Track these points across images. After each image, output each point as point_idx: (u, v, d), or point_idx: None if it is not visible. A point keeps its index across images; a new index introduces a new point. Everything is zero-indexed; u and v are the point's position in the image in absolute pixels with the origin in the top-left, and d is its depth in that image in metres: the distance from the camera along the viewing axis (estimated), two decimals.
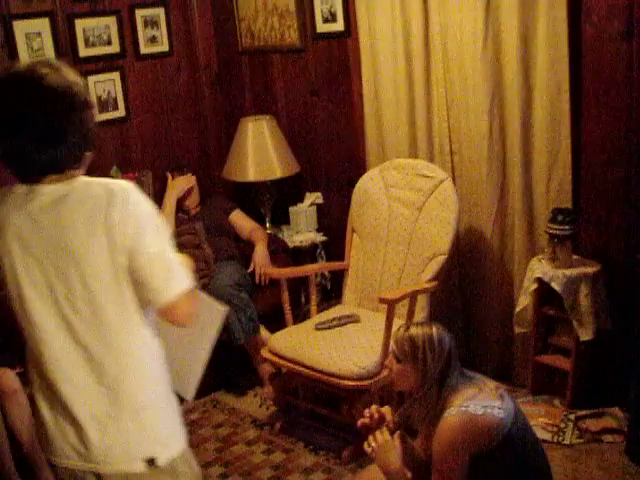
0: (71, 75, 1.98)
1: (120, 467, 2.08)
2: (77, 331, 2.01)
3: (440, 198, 3.86)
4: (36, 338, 2.04)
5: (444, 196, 3.85)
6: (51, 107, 1.92)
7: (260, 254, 4.48)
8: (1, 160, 1.98)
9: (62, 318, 2.01)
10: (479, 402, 2.64)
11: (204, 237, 4.49)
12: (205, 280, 4.28)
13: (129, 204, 1.95)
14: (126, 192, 1.96)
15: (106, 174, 4.55)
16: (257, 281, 4.40)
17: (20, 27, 4.55)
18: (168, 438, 2.12)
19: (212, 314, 2.42)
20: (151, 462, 2.07)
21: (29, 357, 2.12)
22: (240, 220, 4.84)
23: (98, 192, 1.95)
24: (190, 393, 2.42)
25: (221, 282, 4.23)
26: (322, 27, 4.70)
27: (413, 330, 2.82)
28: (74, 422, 2.05)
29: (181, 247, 4.22)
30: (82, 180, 2.00)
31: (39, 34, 4.63)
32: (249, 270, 4.45)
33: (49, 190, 1.97)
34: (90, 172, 2.08)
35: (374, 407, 2.90)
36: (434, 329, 2.81)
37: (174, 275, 2.01)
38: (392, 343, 2.91)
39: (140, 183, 4.05)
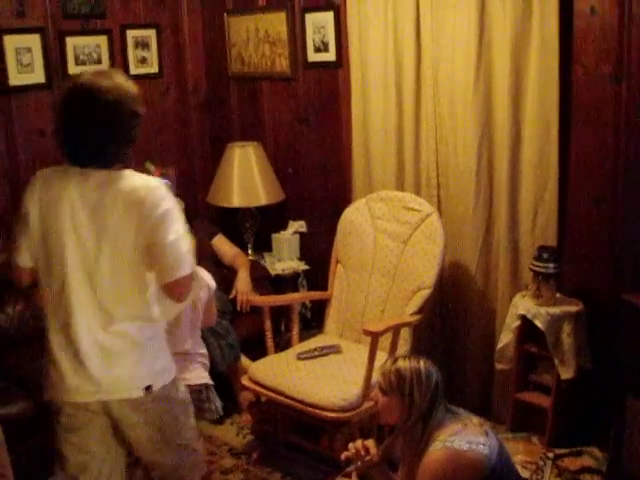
0: (126, 88, 2.49)
1: (124, 394, 2.58)
2: (96, 287, 2.52)
3: (426, 232, 3.87)
4: (66, 287, 2.52)
5: (430, 230, 3.86)
6: (106, 116, 2.44)
7: (242, 280, 4.45)
8: (61, 147, 2.53)
9: (89, 275, 2.51)
10: (464, 437, 2.64)
11: None
12: None
13: (161, 199, 2.49)
14: (159, 189, 2.51)
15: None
16: (238, 308, 4.36)
17: (10, 41, 4.52)
18: (161, 370, 2.65)
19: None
20: (148, 389, 2.59)
21: (51, 309, 2.58)
22: (223, 245, 4.75)
23: (138, 185, 2.50)
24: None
25: None
26: (313, 56, 4.72)
27: (400, 363, 2.81)
28: (86, 362, 2.53)
29: None
30: (124, 172, 2.52)
31: (29, 49, 4.60)
32: (230, 296, 4.42)
33: (98, 174, 2.49)
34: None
35: (359, 441, 2.88)
36: (422, 363, 2.80)
37: (180, 263, 2.52)
38: (379, 375, 2.90)
39: (164, 177, 4.04)
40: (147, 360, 2.61)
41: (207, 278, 3.30)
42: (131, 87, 2.52)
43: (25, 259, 2.60)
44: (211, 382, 3.40)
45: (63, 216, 2.50)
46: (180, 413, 2.76)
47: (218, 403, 3.48)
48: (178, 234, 2.52)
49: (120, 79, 2.50)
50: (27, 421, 3.71)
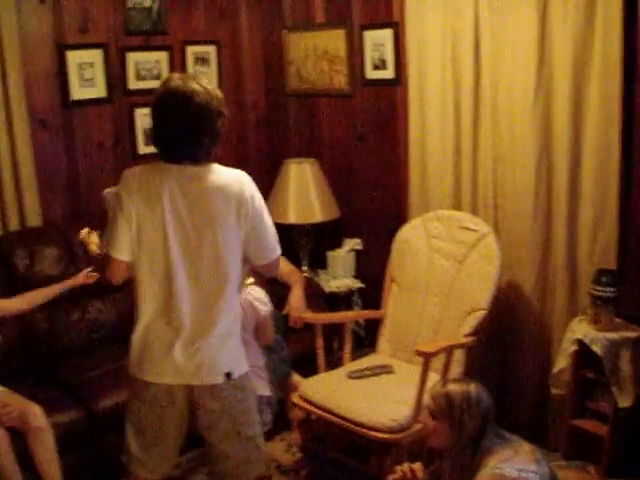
0: (212, 91, 2.71)
1: (207, 379, 2.77)
2: (198, 276, 2.73)
3: (482, 252, 3.81)
4: (170, 274, 2.72)
5: (487, 250, 3.80)
6: (197, 117, 2.66)
7: (296, 297, 4.41)
8: (156, 145, 2.75)
9: (191, 262, 2.72)
10: (514, 465, 2.58)
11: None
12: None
13: (253, 190, 2.77)
14: (250, 181, 2.79)
15: None
16: (291, 324, 4.34)
17: (73, 57, 4.61)
18: (239, 360, 2.86)
19: None
20: (228, 376, 2.78)
21: (150, 297, 2.77)
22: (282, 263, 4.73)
23: (232, 177, 2.76)
24: None
25: None
26: (371, 74, 4.72)
27: (451, 387, 2.77)
28: (179, 345, 2.74)
29: None
30: (215, 166, 2.77)
31: (92, 64, 4.69)
32: (283, 312, 4.40)
33: (193, 169, 2.71)
34: None
35: (406, 464, 2.84)
36: (472, 387, 2.75)
37: (275, 245, 2.88)
38: (428, 398, 2.86)
39: None
40: (229, 348, 2.82)
41: (263, 297, 3.50)
42: (216, 90, 2.76)
43: (124, 253, 2.75)
44: (267, 394, 3.61)
45: (163, 209, 2.69)
46: (252, 405, 2.93)
47: (270, 416, 3.60)
48: (270, 221, 2.86)
49: (206, 83, 2.73)
50: (79, 430, 3.75)
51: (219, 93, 2.77)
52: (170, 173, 2.71)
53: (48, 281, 4.20)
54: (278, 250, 2.90)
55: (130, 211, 2.71)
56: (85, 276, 3.90)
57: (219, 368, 2.78)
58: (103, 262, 2.83)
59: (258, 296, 3.57)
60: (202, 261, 2.73)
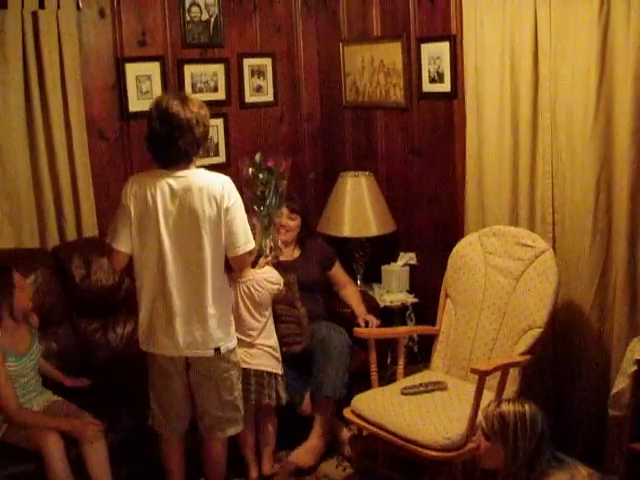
0: (193, 109, 3.25)
1: (198, 353, 3.36)
2: (188, 263, 3.27)
3: (540, 269, 3.74)
4: (162, 262, 3.27)
5: (544, 267, 3.73)
6: (178, 132, 3.20)
7: (361, 306, 4.56)
8: (150, 153, 3.33)
9: (181, 252, 3.26)
10: None
11: (297, 293, 4.30)
12: (297, 347, 4.17)
13: (231, 190, 3.27)
14: (229, 183, 3.29)
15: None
16: (370, 325, 4.40)
17: (131, 69, 4.67)
18: (227, 337, 3.41)
19: None
20: (217, 350, 3.37)
21: (148, 283, 3.33)
22: (339, 274, 4.70)
23: (213, 179, 3.27)
24: None
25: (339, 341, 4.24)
26: (428, 87, 4.68)
27: (504, 407, 2.72)
28: (175, 324, 3.30)
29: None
30: (200, 170, 3.31)
31: (149, 77, 4.74)
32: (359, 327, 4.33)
33: (179, 172, 3.26)
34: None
35: None
36: (527, 407, 2.70)
37: (246, 240, 3.30)
38: (481, 418, 2.81)
39: (278, 166, 4.04)
40: (218, 327, 3.35)
41: (272, 276, 3.92)
42: (199, 106, 3.29)
43: (123, 245, 3.32)
44: (274, 371, 3.91)
45: (157, 207, 3.23)
46: (234, 375, 3.50)
47: (282, 392, 3.95)
48: (244, 219, 3.31)
49: (190, 101, 3.27)
50: (132, 440, 3.78)
51: (203, 113, 3.30)
52: (162, 176, 3.26)
53: (103, 291, 4.25)
54: (247, 247, 3.32)
55: (130, 210, 3.28)
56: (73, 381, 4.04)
57: (210, 344, 3.35)
58: (107, 251, 3.43)
59: (267, 275, 3.91)
60: (189, 251, 3.26)
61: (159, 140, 3.26)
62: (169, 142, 3.23)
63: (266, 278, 3.90)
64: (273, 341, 3.96)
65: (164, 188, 3.25)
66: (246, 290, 3.84)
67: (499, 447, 2.69)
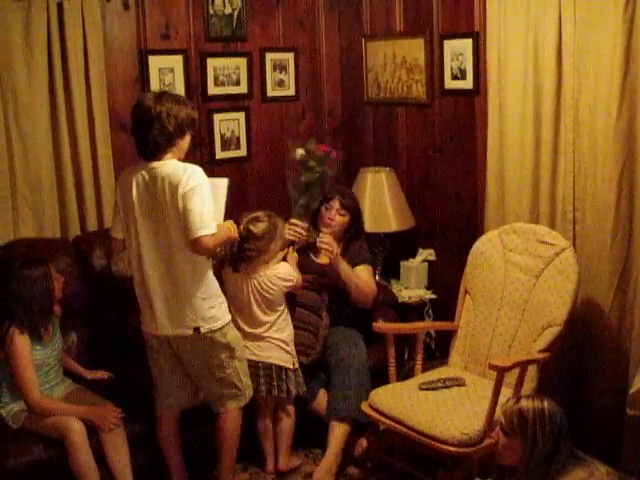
0: (166, 104, 3.41)
1: (178, 332, 3.51)
2: (158, 247, 3.44)
3: (560, 267, 3.74)
4: (139, 248, 3.47)
5: (564, 265, 3.72)
6: (148, 124, 3.40)
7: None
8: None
9: (152, 238, 3.44)
10: None
11: (325, 303, 4.20)
12: (305, 359, 4.10)
13: (192, 178, 3.33)
14: (193, 171, 3.37)
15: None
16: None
17: (155, 62, 4.69)
18: (208, 318, 3.49)
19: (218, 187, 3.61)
20: (197, 330, 3.48)
21: (133, 266, 3.56)
22: (363, 273, 4.33)
23: (179, 169, 3.37)
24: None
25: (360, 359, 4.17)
26: (450, 83, 4.68)
27: (523, 403, 2.72)
28: (154, 307, 3.50)
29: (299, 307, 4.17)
30: (172, 161, 3.42)
31: (172, 70, 4.76)
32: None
33: (152, 164, 3.41)
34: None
35: None
36: (546, 404, 2.70)
37: (201, 225, 3.29)
38: (500, 414, 2.81)
39: (328, 154, 4.04)
40: (197, 308, 3.46)
41: (284, 272, 3.91)
42: (174, 106, 3.43)
43: (117, 232, 3.65)
44: (284, 364, 3.93)
45: (133, 197, 3.44)
46: (221, 353, 3.58)
47: (292, 386, 3.94)
48: (201, 204, 3.31)
49: (170, 104, 3.43)
50: (151, 430, 3.81)
51: (173, 106, 3.43)
52: (140, 168, 3.45)
53: (123, 281, 4.26)
54: (200, 232, 3.30)
55: (118, 200, 3.57)
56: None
57: (188, 323, 3.48)
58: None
59: (279, 272, 3.91)
60: (158, 236, 3.43)
61: (134, 133, 3.49)
62: (142, 134, 3.43)
63: (277, 274, 3.90)
64: (285, 335, 3.97)
65: (138, 179, 3.44)
66: (257, 285, 3.88)
67: (518, 443, 2.69)
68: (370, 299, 4.32)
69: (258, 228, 3.84)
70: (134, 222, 3.48)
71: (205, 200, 3.35)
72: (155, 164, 3.41)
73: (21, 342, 3.56)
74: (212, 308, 3.52)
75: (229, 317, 3.63)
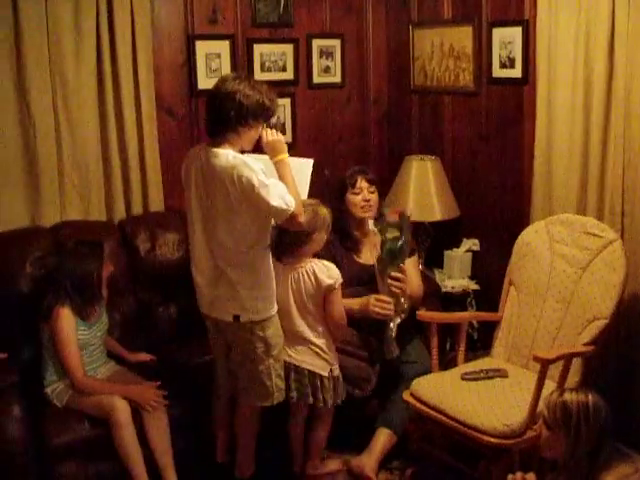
0: (238, 87, 3.33)
1: (221, 316, 3.51)
2: (208, 233, 3.43)
3: (608, 259, 3.68)
4: (193, 230, 3.50)
5: (612, 258, 3.67)
6: (212, 103, 3.42)
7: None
8: None
9: (204, 224, 3.43)
10: None
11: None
12: (359, 393, 3.90)
13: (243, 172, 3.21)
14: (244, 165, 3.23)
15: None
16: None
17: (201, 47, 4.71)
18: (249, 308, 3.42)
19: (302, 168, 3.71)
20: (236, 318, 3.43)
21: (191, 244, 3.58)
22: (409, 267, 4.08)
23: (228, 159, 3.27)
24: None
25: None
26: (498, 72, 4.63)
27: (567, 396, 2.68)
28: (204, 289, 3.54)
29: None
30: (226, 151, 3.31)
31: (218, 55, 4.78)
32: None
33: (213, 149, 3.34)
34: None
35: (519, 474, 2.77)
36: (590, 398, 2.66)
37: (276, 210, 3.26)
38: (543, 407, 2.78)
39: (403, 214, 3.97)
40: (237, 297, 3.41)
41: (326, 269, 3.60)
42: (250, 97, 3.33)
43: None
44: (319, 372, 3.65)
45: (191, 177, 3.45)
46: (258, 347, 3.49)
47: (328, 396, 3.67)
48: (269, 187, 3.22)
49: (243, 87, 3.33)
50: (193, 413, 3.85)
51: (244, 93, 3.32)
52: (201, 149, 3.43)
53: (168, 265, 4.30)
54: (283, 208, 3.25)
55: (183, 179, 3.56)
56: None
57: (229, 310, 3.45)
58: None
59: (318, 268, 3.60)
60: (210, 223, 3.40)
61: (208, 114, 3.46)
62: (207, 112, 3.44)
63: (316, 271, 3.61)
64: (322, 342, 3.68)
65: (197, 161, 3.42)
66: (295, 276, 3.63)
67: (560, 437, 2.66)
68: (420, 300, 4.22)
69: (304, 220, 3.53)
70: (190, 203, 3.47)
71: (268, 185, 3.23)
72: (214, 150, 3.33)
73: (67, 318, 3.62)
74: (256, 299, 3.44)
75: (273, 312, 3.51)
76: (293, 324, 3.65)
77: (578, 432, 2.62)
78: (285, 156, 3.48)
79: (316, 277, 3.58)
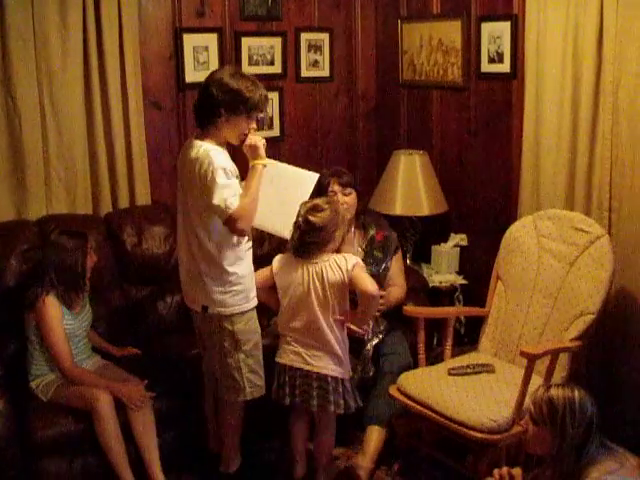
0: (218, 76, 3.36)
1: (192, 306, 3.58)
2: (183, 224, 3.50)
3: (595, 255, 3.68)
4: (176, 220, 3.61)
5: (599, 253, 3.67)
6: (199, 92, 3.42)
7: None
8: None
9: (182, 215, 3.49)
10: (619, 477, 2.48)
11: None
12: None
13: (208, 163, 3.23)
14: (207, 155, 3.25)
15: None
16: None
17: (189, 40, 4.69)
18: (219, 301, 3.42)
19: (305, 182, 3.61)
20: (204, 309, 3.46)
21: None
22: (394, 268, 4.19)
23: (198, 151, 3.30)
24: (286, 233, 3.55)
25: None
26: (487, 67, 4.62)
27: (554, 392, 2.68)
28: (181, 274, 3.60)
29: None
30: (198, 142, 3.34)
31: (206, 48, 4.76)
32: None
33: (194, 141, 3.38)
34: None
35: (505, 468, 2.77)
36: (576, 393, 2.66)
37: (222, 209, 3.22)
38: (530, 403, 2.78)
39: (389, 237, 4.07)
40: (205, 288, 3.42)
41: (344, 263, 3.44)
42: (227, 86, 3.30)
43: None
44: (341, 376, 3.52)
45: (178, 169, 3.53)
46: (226, 340, 3.47)
47: (350, 399, 3.55)
48: (217, 185, 3.21)
49: (224, 77, 3.33)
50: (178, 408, 3.84)
51: (224, 83, 3.31)
52: (191, 139, 3.45)
53: (154, 259, 4.29)
54: (224, 211, 3.23)
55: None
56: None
57: (199, 300, 3.49)
58: None
59: (340, 257, 3.48)
60: (186, 214, 3.44)
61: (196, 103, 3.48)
62: (199, 95, 3.43)
63: (338, 261, 3.47)
64: (342, 346, 3.55)
65: (183, 153, 3.47)
66: (318, 270, 3.47)
67: (547, 432, 2.65)
68: (404, 298, 4.22)
69: (319, 218, 3.44)
70: (178, 196, 3.55)
71: (220, 180, 3.23)
72: (193, 142, 3.36)
73: (53, 305, 3.62)
74: (224, 294, 3.41)
75: (246, 308, 3.45)
76: (313, 322, 3.48)
77: (564, 428, 2.61)
78: (259, 162, 3.39)
79: (339, 265, 3.44)
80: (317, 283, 3.46)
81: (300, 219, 3.46)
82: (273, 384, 3.61)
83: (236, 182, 3.31)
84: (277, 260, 3.64)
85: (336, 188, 4.05)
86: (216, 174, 3.21)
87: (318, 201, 3.53)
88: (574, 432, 2.60)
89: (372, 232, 4.15)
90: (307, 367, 3.50)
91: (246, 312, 3.47)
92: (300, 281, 3.49)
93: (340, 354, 3.52)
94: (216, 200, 3.21)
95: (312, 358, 3.50)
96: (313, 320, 3.48)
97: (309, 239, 3.45)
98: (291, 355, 3.55)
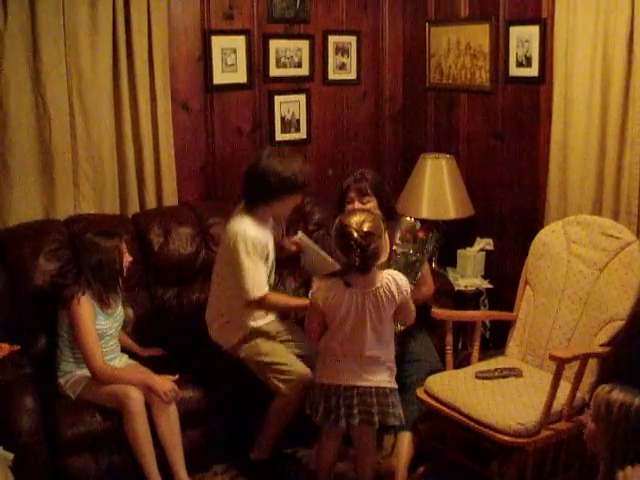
0: (278, 167, 3.68)
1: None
2: (213, 283, 3.98)
3: (625, 261, 3.66)
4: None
5: (630, 259, 3.64)
6: (252, 182, 3.77)
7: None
8: None
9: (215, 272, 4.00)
10: None
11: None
12: None
13: (237, 239, 3.66)
14: (239, 232, 3.67)
15: None
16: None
17: (217, 42, 4.70)
18: (222, 338, 3.91)
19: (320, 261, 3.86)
20: (219, 347, 3.91)
21: None
22: (426, 268, 4.01)
23: (237, 224, 3.71)
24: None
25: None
26: (515, 71, 4.61)
27: (615, 394, 2.64)
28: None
29: None
30: (240, 218, 3.75)
31: (234, 50, 4.77)
32: None
33: (239, 211, 3.81)
34: None
35: None
36: (637, 401, 2.62)
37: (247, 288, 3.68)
38: (592, 399, 2.76)
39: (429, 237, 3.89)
40: (216, 329, 3.93)
41: (394, 282, 3.31)
42: (278, 169, 3.66)
43: None
44: (392, 386, 3.43)
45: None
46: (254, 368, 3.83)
47: (400, 410, 3.46)
48: (243, 267, 3.66)
49: (282, 164, 3.68)
50: (202, 407, 3.83)
51: (286, 175, 3.65)
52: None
53: (181, 259, 4.30)
54: (249, 295, 3.69)
55: None
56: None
57: (213, 338, 3.95)
58: None
59: (390, 279, 3.30)
60: (214, 276, 3.94)
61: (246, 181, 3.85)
62: (245, 182, 3.82)
63: (390, 286, 3.32)
64: (392, 359, 3.47)
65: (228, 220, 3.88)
66: (374, 300, 3.29)
67: (601, 432, 2.64)
68: (431, 298, 4.16)
69: (371, 225, 3.22)
70: None
71: (247, 262, 3.66)
72: (238, 214, 3.77)
73: (87, 305, 3.63)
74: (229, 331, 3.88)
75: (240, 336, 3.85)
76: (365, 350, 3.34)
77: (615, 431, 2.59)
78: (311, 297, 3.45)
79: (391, 290, 3.29)
80: (372, 312, 3.30)
81: (356, 235, 3.16)
82: (316, 408, 3.43)
83: (262, 263, 3.73)
84: (319, 290, 3.39)
85: (352, 195, 3.92)
86: (246, 253, 3.65)
87: (357, 214, 3.31)
88: (624, 438, 2.58)
89: (417, 226, 3.94)
90: (365, 383, 3.35)
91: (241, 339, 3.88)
92: (353, 308, 3.29)
93: (392, 366, 3.46)
94: (248, 283, 3.67)
95: (369, 373, 3.35)
96: (366, 349, 3.34)
97: (372, 250, 3.20)
98: (344, 374, 3.37)
